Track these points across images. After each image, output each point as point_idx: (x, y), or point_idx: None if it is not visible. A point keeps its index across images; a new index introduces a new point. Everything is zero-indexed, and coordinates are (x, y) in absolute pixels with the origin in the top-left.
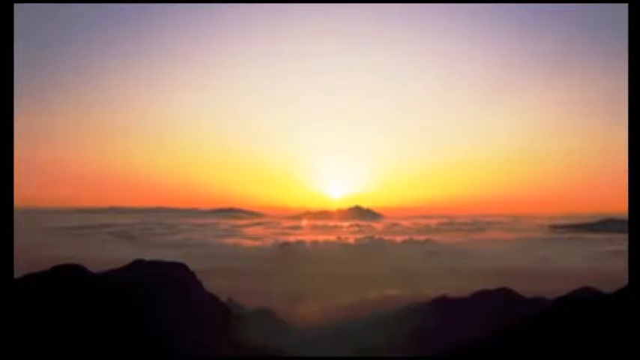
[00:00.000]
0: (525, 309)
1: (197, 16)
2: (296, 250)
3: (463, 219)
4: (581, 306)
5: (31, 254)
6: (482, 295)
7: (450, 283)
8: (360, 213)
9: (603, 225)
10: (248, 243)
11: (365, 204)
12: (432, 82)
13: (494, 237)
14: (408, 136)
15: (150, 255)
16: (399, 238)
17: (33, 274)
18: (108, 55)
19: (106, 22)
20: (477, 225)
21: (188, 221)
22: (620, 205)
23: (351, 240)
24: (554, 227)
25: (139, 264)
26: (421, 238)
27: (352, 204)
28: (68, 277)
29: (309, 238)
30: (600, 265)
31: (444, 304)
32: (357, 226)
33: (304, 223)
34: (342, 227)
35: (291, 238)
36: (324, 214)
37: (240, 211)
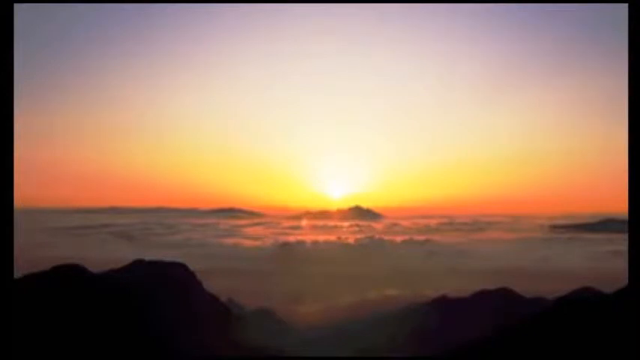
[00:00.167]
0: (525, 309)
1: (197, 16)
2: (296, 250)
3: (463, 219)
4: (581, 306)
5: (31, 254)
6: (482, 295)
7: (450, 283)
8: (360, 213)
9: (603, 225)
10: (248, 243)
11: (365, 204)
12: (432, 82)
13: (494, 237)
14: (408, 136)
15: (150, 255)
16: (399, 238)
17: (33, 274)
18: (108, 55)
19: (106, 22)
20: (477, 225)
21: (188, 221)
22: (620, 205)
23: (351, 240)
24: (554, 227)
25: (139, 264)
26: (421, 238)
27: (352, 204)
28: (68, 277)
29: (309, 238)
30: (600, 265)
31: (444, 304)
32: (357, 226)
33: (304, 223)
34: (342, 227)
35: (291, 238)
36: (324, 214)
37: (240, 211)
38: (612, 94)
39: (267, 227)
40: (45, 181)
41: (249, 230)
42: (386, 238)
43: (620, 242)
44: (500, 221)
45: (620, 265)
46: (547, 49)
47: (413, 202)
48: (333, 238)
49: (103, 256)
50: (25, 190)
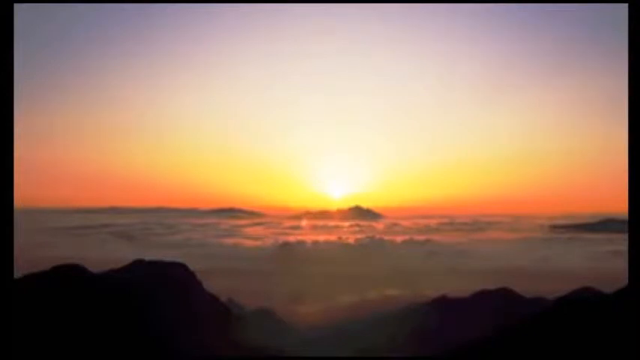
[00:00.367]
0: (525, 309)
1: (197, 16)
2: (296, 250)
3: (463, 219)
4: (581, 306)
5: (31, 254)
6: (482, 295)
7: (450, 283)
8: (360, 213)
9: (603, 225)
10: (248, 243)
11: (365, 204)
12: (432, 82)
13: (494, 237)
14: (408, 136)
15: (150, 255)
16: (399, 238)
17: (33, 274)
18: (108, 55)
19: (106, 22)
20: (477, 225)
21: (188, 221)
22: (620, 205)
23: (351, 240)
24: (554, 227)
25: (139, 264)
26: (421, 238)
27: (352, 204)
28: (68, 277)
29: (309, 238)
30: (600, 265)
31: (444, 304)
32: (358, 226)
33: (304, 223)
34: (342, 227)
35: (292, 238)
36: (324, 214)
37: (240, 211)
38: (612, 94)
39: (267, 227)
40: (45, 181)
41: (250, 230)
42: (386, 238)
43: (620, 242)
44: (500, 221)
45: (620, 265)
46: (547, 49)
47: (413, 202)
48: (333, 238)
49: (103, 256)
50: (25, 190)
